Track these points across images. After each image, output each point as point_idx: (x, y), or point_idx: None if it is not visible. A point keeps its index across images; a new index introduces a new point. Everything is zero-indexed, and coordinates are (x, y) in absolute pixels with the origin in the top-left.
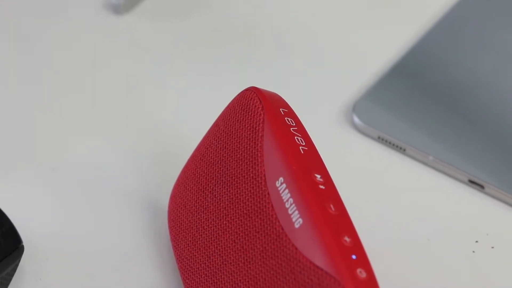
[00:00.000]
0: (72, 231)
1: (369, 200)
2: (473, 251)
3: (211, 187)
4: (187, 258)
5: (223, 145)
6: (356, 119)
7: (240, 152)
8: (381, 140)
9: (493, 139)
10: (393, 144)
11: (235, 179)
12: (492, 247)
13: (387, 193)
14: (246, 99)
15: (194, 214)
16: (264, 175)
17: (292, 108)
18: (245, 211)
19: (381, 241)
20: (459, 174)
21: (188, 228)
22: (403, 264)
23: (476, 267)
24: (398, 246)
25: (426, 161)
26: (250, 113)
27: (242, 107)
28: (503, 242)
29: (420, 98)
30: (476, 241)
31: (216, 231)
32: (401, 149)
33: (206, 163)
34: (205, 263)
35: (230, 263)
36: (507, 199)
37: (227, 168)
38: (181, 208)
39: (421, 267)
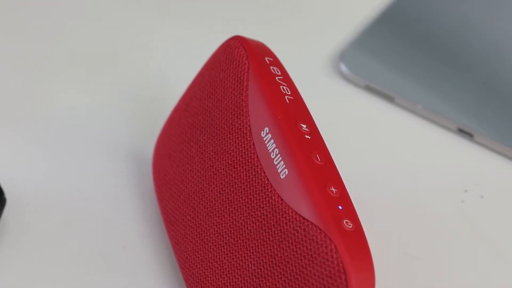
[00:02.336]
0: (56, 183)
1: (356, 150)
2: (462, 201)
3: (196, 138)
4: (171, 209)
5: (207, 95)
6: (343, 68)
7: (225, 102)
8: (369, 89)
9: (483, 88)
10: (381, 93)
11: (220, 130)
12: (481, 196)
13: (374, 142)
14: (230, 48)
15: (178, 165)
16: (249, 125)
17: (278, 57)
18: (230, 162)
19: (368, 191)
20: (448, 123)
21: (172, 179)
22: (391, 215)
23: (465, 216)
24: (385, 196)
25: (415, 110)
26: (234, 62)
27: (226, 56)
28: (492, 191)
29: (409, 46)
30: (465, 191)
31: (201, 182)
32: (389, 98)
33: (191, 113)
34: (190, 215)
35: (215, 214)
36: (496, 147)
37: (212, 118)
38: (166, 159)
39: (409, 217)
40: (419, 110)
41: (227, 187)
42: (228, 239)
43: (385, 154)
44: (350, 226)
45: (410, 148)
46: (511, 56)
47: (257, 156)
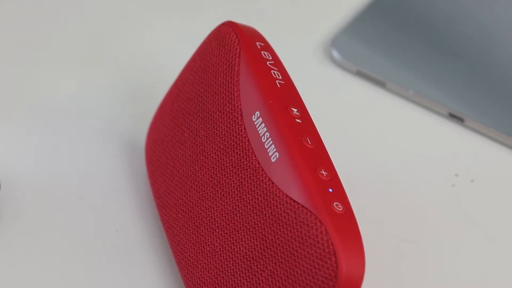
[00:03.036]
0: (49, 168)
1: (347, 134)
2: (453, 185)
3: (188, 123)
4: (164, 194)
5: (199, 80)
6: (335, 53)
7: (216, 87)
8: (360, 74)
9: (473, 73)
10: (373, 79)
11: (212, 114)
12: (472, 180)
13: (366, 127)
14: (222, 34)
15: (171, 150)
16: (241, 110)
17: (269, 42)
18: (221, 146)
19: (359, 175)
20: (439, 107)
21: (165, 164)
22: (382, 199)
23: (456, 200)
24: (376, 181)
25: (406, 95)
26: (226, 48)
27: (218, 42)
28: (482, 175)
29: (400, 32)
30: (456, 175)
31: (193, 166)
32: (380, 84)
33: (183, 98)
34: (182, 199)
35: (207, 198)
36: (486, 132)
37: (204, 103)
38: (159, 144)
39: (400, 201)
40: (410, 95)
41: (218, 171)
42: (220, 223)
43: (376, 138)
44: (341, 209)
45: (401, 132)
46: (502, 41)
47: (248, 140)
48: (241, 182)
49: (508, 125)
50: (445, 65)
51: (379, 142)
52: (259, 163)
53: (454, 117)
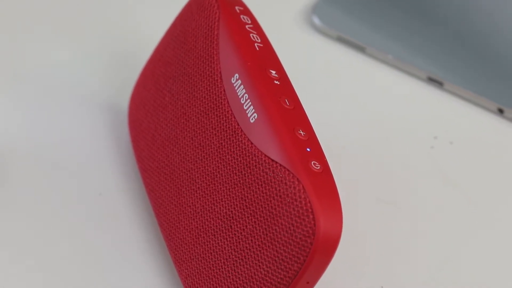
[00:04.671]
0: (32, 134)
1: (328, 98)
2: (432, 147)
3: (169, 87)
4: (146, 157)
5: (179, 44)
6: (315, 20)
7: (196, 51)
8: (340, 40)
9: (452, 37)
10: (353, 44)
11: (192, 78)
12: (451, 143)
13: (346, 91)
14: None
15: (152, 114)
16: (220, 72)
17: (251, 9)
18: (201, 109)
19: (338, 138)
20: (418, 72)
21: (147, 128)
22: (362, 161)
23: (435, 162)
24: (356, 143)
25: (386, 60)
26: (205, 12)
27: (198, 6)
28: (461, 138)
29: None
30: (435, 137)
31: (174, 129)
32: (360, 49)
33: (164, 63)
34: (164, 162)
35: (188, 160)
36: (465, 95)
37: (184, 67)
38: (141, 108)
39: (379, 164)
40: (390, 60)
41: (199, 133)
42: (201, 184)
43: (356, 102)
44: (318, 168)
45: (380, 96)
46: (479, 5)
47: (227, 102)
48: (221, 143)
49: (486, 88)
50: (424, 31)
51: (359, 105)
52: (238, 124)
53: (433, 81)
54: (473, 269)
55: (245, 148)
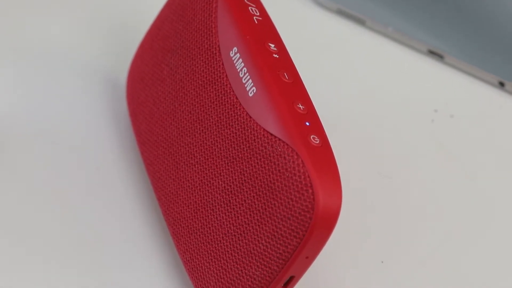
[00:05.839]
0: (31, 108)
1: (328, 72)
2: (432, 120)
3: (167, 60)
4: (145, 131)
5: (178, 17)
6: None
7: (195, 24)
8: (340, 13)
9: (453, 10)
10: (353, 17)
11: (190, 51)
12: (451, 116)
13: (346, 64)
14: None
15: (151, 87)
16: (218, 46)
17: None
18: (200, 82)
19: (338, 112)
20: (419, 44)
21: (145, 102)
22: (361, 135)
23: (435, 135)
24: (356, 117)
25: (386, 32)
26: None
27: None
28: (462, 111)
29: None
30: (435, 110)
31: (172, 103)
32: (360, 21)
33: (162, 36)
34: (162, 135)
35: (186, 134)
36: (466, 68)
37: (182, 40)
38: (139, 82)
39: (379, 137)
40: (390, 32)
41: (197, 107)
42: (199, 158)
43: (356, 75)
44: (317, 142)
45: (381, 69)
46: None
47: (226, 75)
48: (220, 117)
49: (487, 61)
50: (425, 3)
51: (359, 79)
52: (237, 98)
53: (434, 54)
54: (472, 245)
55: (243, 122)
